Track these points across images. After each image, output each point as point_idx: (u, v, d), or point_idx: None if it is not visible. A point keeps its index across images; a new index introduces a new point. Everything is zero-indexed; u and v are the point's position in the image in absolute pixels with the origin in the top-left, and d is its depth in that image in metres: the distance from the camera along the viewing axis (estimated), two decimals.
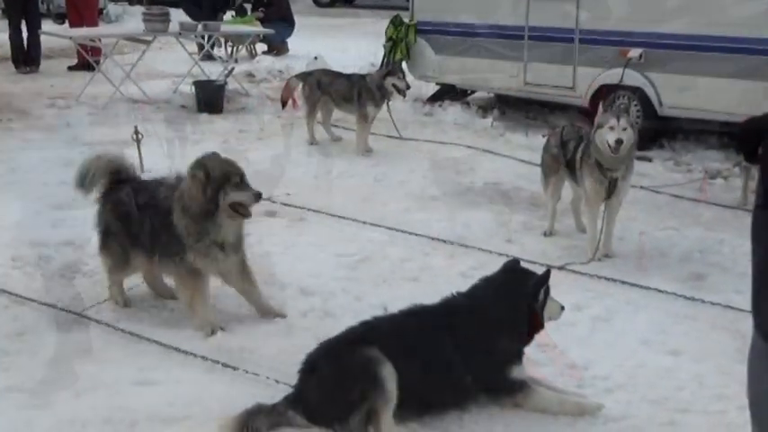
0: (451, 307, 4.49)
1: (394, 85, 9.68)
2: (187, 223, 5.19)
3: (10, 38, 15.01)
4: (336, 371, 4.16)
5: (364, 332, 4.36)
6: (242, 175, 5.22)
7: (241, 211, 5.22)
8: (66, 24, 16.74)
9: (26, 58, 14.98)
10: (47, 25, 17.44)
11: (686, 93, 9.48)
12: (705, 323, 5.54)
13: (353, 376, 4.11)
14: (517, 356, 4.43)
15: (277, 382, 4.62)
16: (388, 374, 4.10)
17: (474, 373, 4.33)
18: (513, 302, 4.44)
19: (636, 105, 9.88)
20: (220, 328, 5.31)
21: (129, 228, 5.48)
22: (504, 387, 4.40)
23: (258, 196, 5.22)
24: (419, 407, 4.29)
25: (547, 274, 4.52)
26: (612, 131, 6.29)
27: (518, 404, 4.42)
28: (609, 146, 6.30)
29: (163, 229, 5.28)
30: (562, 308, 4.66)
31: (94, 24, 15.81)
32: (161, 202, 5.32)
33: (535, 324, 4.50)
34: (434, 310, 4.49)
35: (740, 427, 4.09)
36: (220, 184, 5.11)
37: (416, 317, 4.46)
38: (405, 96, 10.26)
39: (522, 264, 4.72)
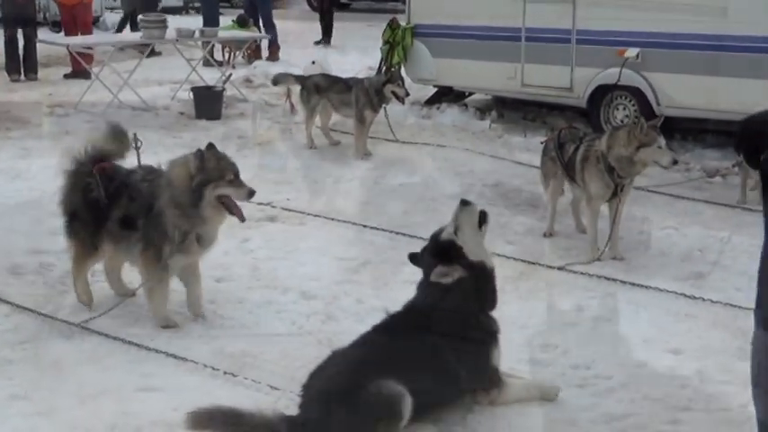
0: (418, 307, 4.54)
1: (393, 93, 9.69)
2: (173, 213, 5.20)
3: (5, 46, 15.01)
4: (358, 410, 3.96)
5: (366, 356, 4.24)
6: (236, 172, 5.24)
7: (230, 207, 5.23)
8: (63, 32, 16.77)
9: (24, 67, 14.98)
10: (43, 33, 17.45)
11: (683, 92, 9.50)
12: (706, 321, 5.55)
13: (379, 415, 3.99)
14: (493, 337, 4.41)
15: (276, 389, 4.60)
16: (409, 406, 4.04)
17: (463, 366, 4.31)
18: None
19: (633, 105, 9.90)
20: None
21: (96, 213, 5.52)
22: (487, 378, 4.38)
23: (251, 193, 5.25)
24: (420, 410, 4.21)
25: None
26: (662, 150, 6.36)
27: (493, 401, 4.40)
28: (662, 165, 6.52)
29: (138, 215, 5.31)
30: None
31: (89, 32, 15.88)
32: (136, 187, 5.36)
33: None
34: (411, 315, 4.51)
35: (742, 424, 4.11)
36: (211, 177, 5.14)
37: (401, 327, 4.43)
38: (404, 103, 10.27)
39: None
